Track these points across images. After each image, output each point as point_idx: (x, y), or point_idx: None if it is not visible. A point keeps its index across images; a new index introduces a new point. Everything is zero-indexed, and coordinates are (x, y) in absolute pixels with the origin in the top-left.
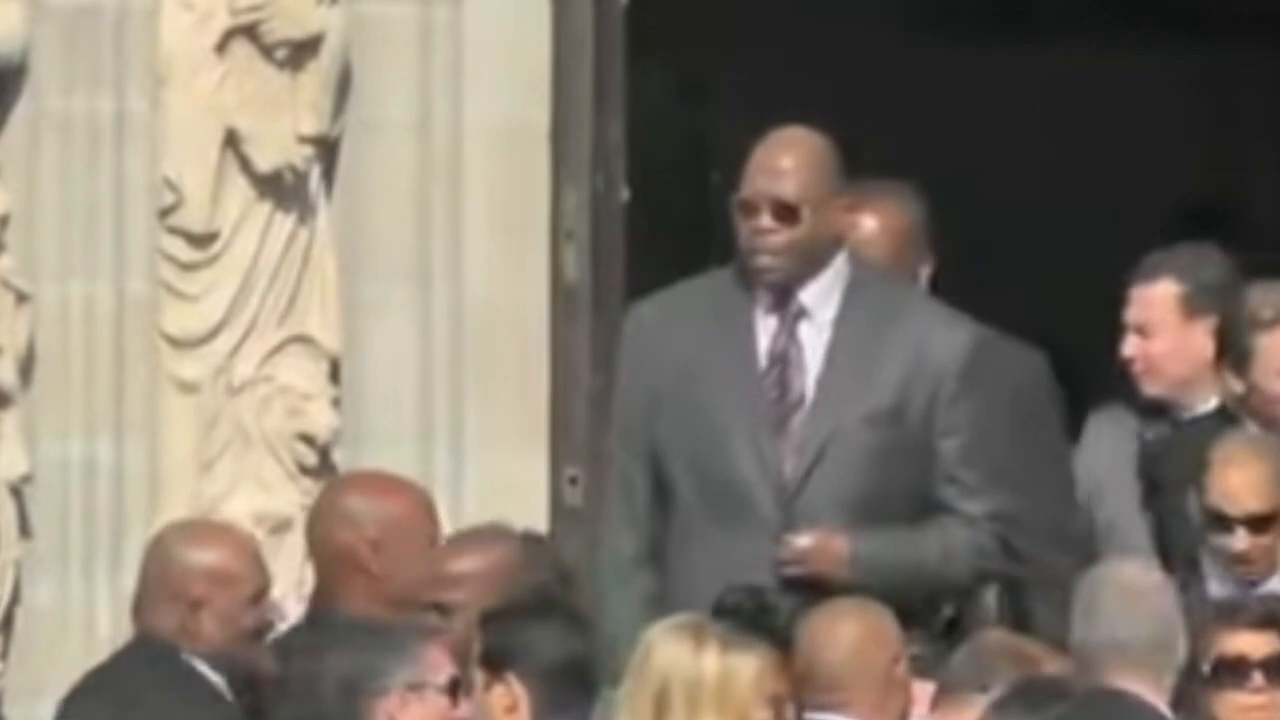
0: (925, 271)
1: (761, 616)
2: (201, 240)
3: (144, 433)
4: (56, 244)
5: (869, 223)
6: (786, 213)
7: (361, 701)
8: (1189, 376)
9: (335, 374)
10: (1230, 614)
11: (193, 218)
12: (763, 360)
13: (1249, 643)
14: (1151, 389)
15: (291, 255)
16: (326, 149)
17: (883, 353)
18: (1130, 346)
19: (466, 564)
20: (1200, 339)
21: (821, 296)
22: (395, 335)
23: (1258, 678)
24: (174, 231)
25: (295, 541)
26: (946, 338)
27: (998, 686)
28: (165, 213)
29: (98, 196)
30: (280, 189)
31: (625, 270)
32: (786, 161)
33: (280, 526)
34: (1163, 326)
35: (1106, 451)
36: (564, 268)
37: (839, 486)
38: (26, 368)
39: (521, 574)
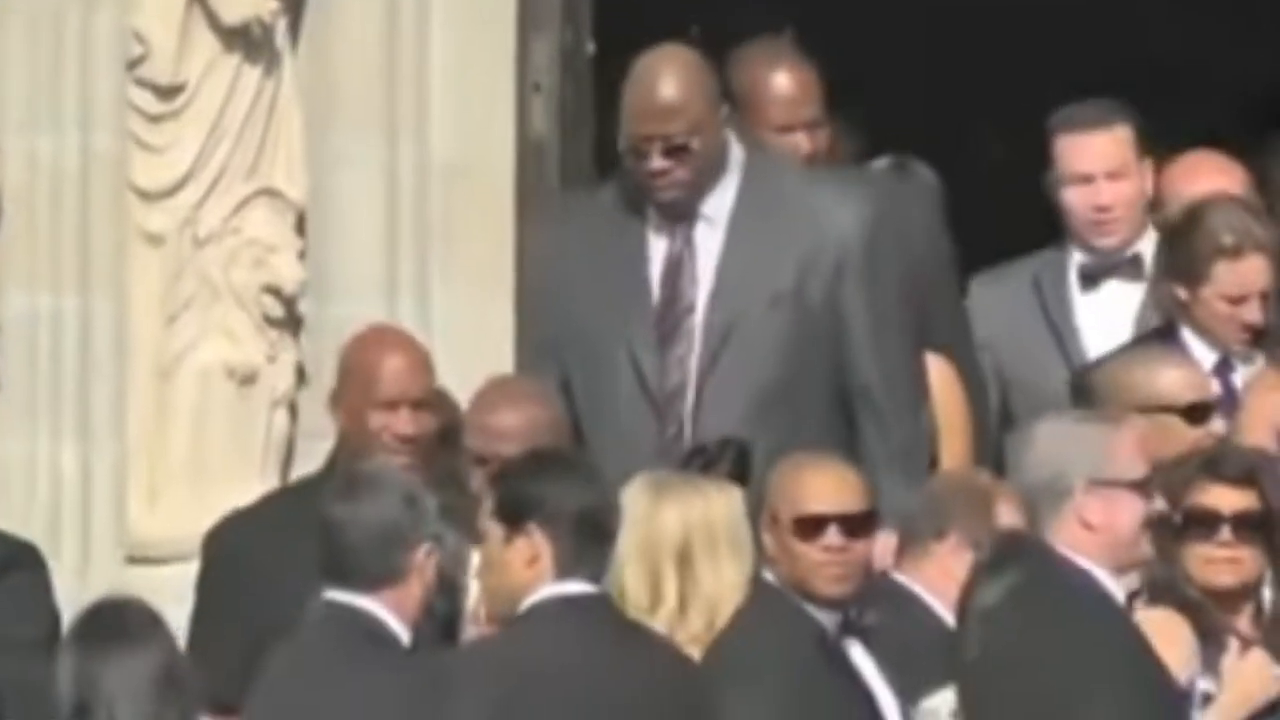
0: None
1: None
2: (168, 92)
3: (111, 285)
4: (23, 97)
5: (782, 80)
6: (677, 150)
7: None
8: (1142, 220)
9: (301, 226)
10: (1209, 466)
11: (160, 70)
12: (657, 268)
13: (1223, 497)
14: (1114, 239)
15: (258, 108)
16: (293, 2)
17: (779, 236)
18: (1106, 194)
19: (511, 419)
20: (1148, 180)
21: (718, 201)
22: (361, 188)
23: (1225, 532)
24: (141, 84)
25: (262, 392)
26: (843, 215)
27: (955, 530)
28: (133, 64)
29: (64, 49)
30: (247, 42)
31: (593, 124)
32: (669, 96)
33: (248, 378)
34: (1129, 170)
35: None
36: (531, 121)
37: (746, 375)
38: None
39: (558, 428)
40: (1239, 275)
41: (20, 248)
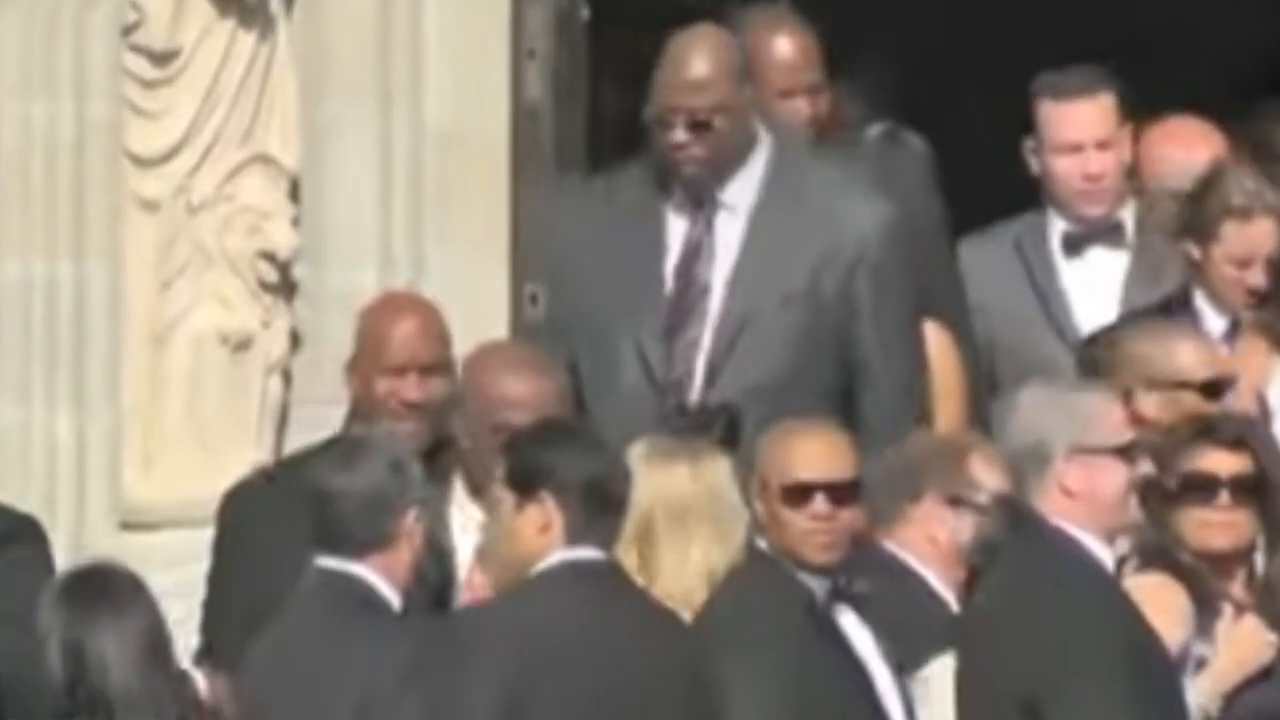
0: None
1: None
2: (163, 58)
3: (105, 251)
4: (18, 63)
5: (783, 44)
6: (701, 125)
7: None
8: (1124, 187)
9: (295, 193)
10: (1204, 432)
11: (155, 36)
12: (675, 252)
13: (1219, 461)
14: (1102, 208)
15: (252, 74)
16: None
17: (799, 234)
18: (1095, 163)
19: (525, 387)
20: (1127, 147)
21: (740, 189)
22: (355, 155)
23: (1224, 496)
24: (136, 50)
25: (257, 358)
26: (864, 216)
27: (930, 490)
28: (128, 30)
29: (59, 15)
30: (242, 8)
31: (588, 91)
32: (697, 72)
33: (242, 344)
34: (1116, 138)
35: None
36: (525, 87)
37: (755, 369)
38: None
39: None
40: (1247, 237)
41: (14, 214)
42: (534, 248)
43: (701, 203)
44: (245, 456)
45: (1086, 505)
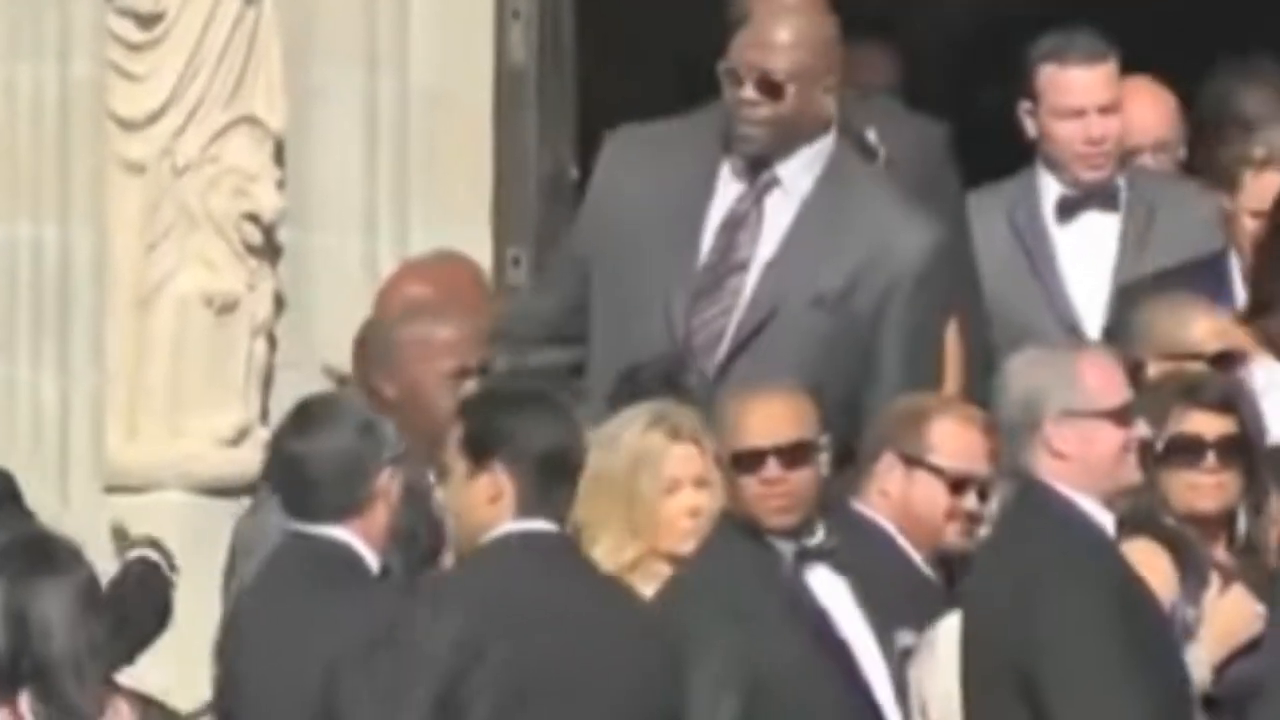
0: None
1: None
2: (148, 21)
3: (90, 214)
4: (2, 25)
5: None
6: (771, 88)
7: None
8: (1122, 154)
9: (280, 155)
10: (1189, 394)
11: None
12: (715, 222)
13: (1205, 423)
14: (1103, 173)
15: (237, 36)
16: None
17: (844, 236)
18: (1098, 128)
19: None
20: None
21: (798, 171)
22: (341, 117)
23: (1211, 458)
24: (121, 12)
25: (241, 321)
26: (908, 239)
27: (888, 449)
28: None
29: None
30: None
31: (573, 52)
32: (780, 36)
33: (228, 306)
34: (1118, 103)
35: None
36: (510, 50)
37: (773, 366)
38: None
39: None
40: (1261, 187)
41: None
42: (520, 207)
43: (757, 172)
44: (230, 420)
45: (1078, 468)
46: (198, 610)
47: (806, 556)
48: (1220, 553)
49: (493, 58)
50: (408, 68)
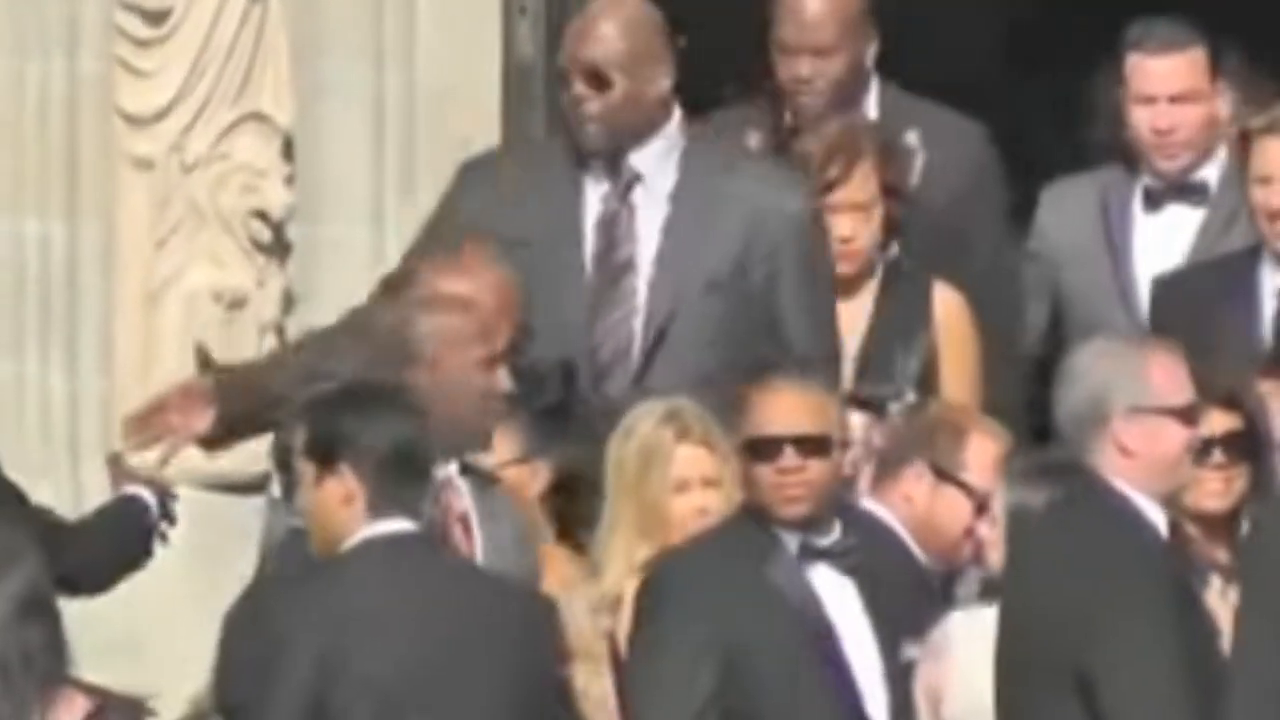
0: (871, 49)
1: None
2: (155, 17)
3: (98, 210)
4: (9, 20)
5: (811, 5)
6: (598, 79)
7: None
8: (1210, 146)
9: (289, 151)
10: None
11: None
12: (590, 227)
13: (1213, 420)
14: (1176, 163)
15: (245, 32)
16: None
17: (720, 216)
18: (1163, 118)
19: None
20: (1219, 104)
21: (655, 162)
22: (348, 112)
23: (1218, 454)
24: (129, 8)
25: (250, 317)
26: (783, 203)
27: (919, 458)
28: None
29: None
30: None
31: None
32: (601, 29)
33: (236, 302)
34: (1197, 94)
35: (1068, 223)
36: (518, 45)
37: (689, 362)
38: None
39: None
40: (1265, 154)
41: (7, 173)
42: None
43: (617, 171)
44: None
45: (1142, 464)
46: (207, 606)
47: (811, 553)
48: (1222, 554)
49: (500, 53)
50: (415, 63)
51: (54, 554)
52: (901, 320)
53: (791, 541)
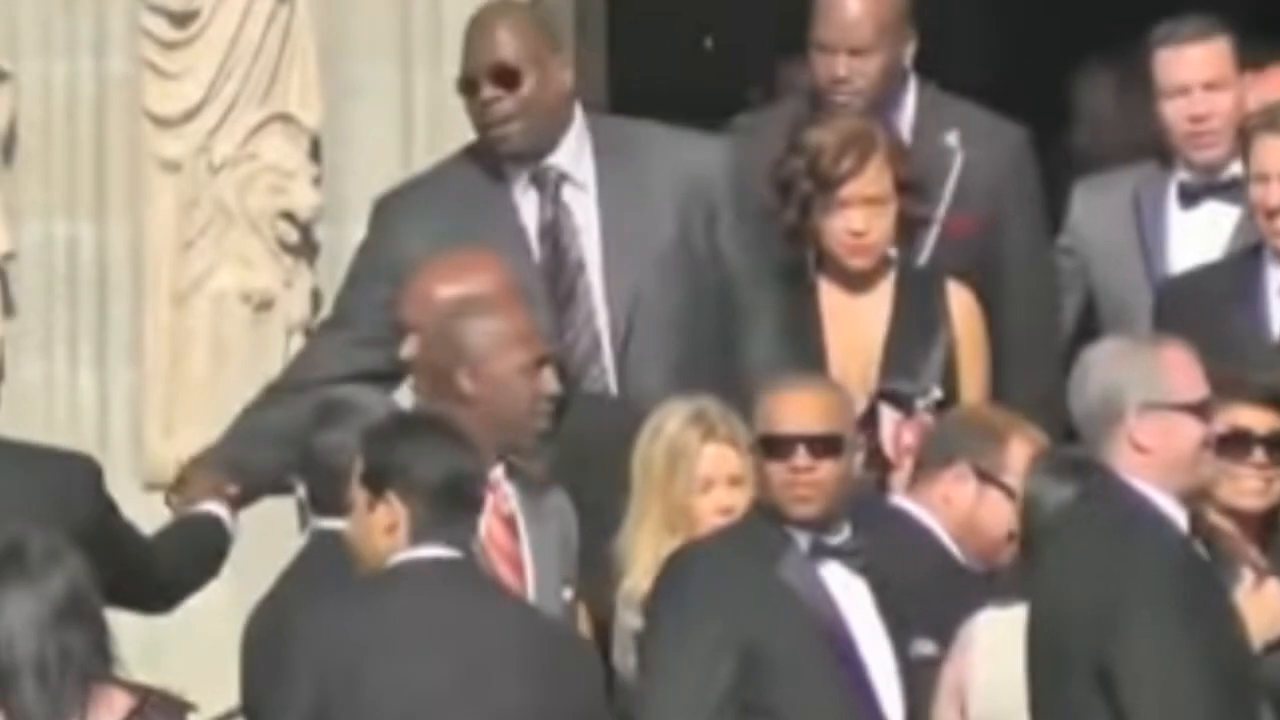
0: (909, 50)
1: None
2: (182, 19)
3: (126, 212)
4: (38, 22)
5: (849, 5)
6: (507, 76)
7: None
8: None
9: (316, 152)
10: (1233, 389)
11: None
12: (533, 236)
13: (1254, 417)
14: (1212, 153)
15: (271, 33)
16: None
17: (650, 193)
18: (1200, 104)
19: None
20: (1244, 95)
21: (573, 158)
22: (376, 114)
23: (1259, 453)
24: (155, 10)
25: (278, 319)
26: (703, 158)
27: (961, 460)
28: None
29: None
30: None
31: (606, 46)
32: (493, 31)
33: (264, 304)
34: (1227, 82)
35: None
36: None
37: (657, 347)
38: (8, 147)
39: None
40: (1263, 151)
41: (35, 174)
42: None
43: (542, 176)
44: None
45: (1158, 461)
46: (237, 604)
47: (823, 551)
48: (1254, 554)
49: None
50: (442, 63)
51: (141, 575)
52: (920, 318)
53: (803, 540)
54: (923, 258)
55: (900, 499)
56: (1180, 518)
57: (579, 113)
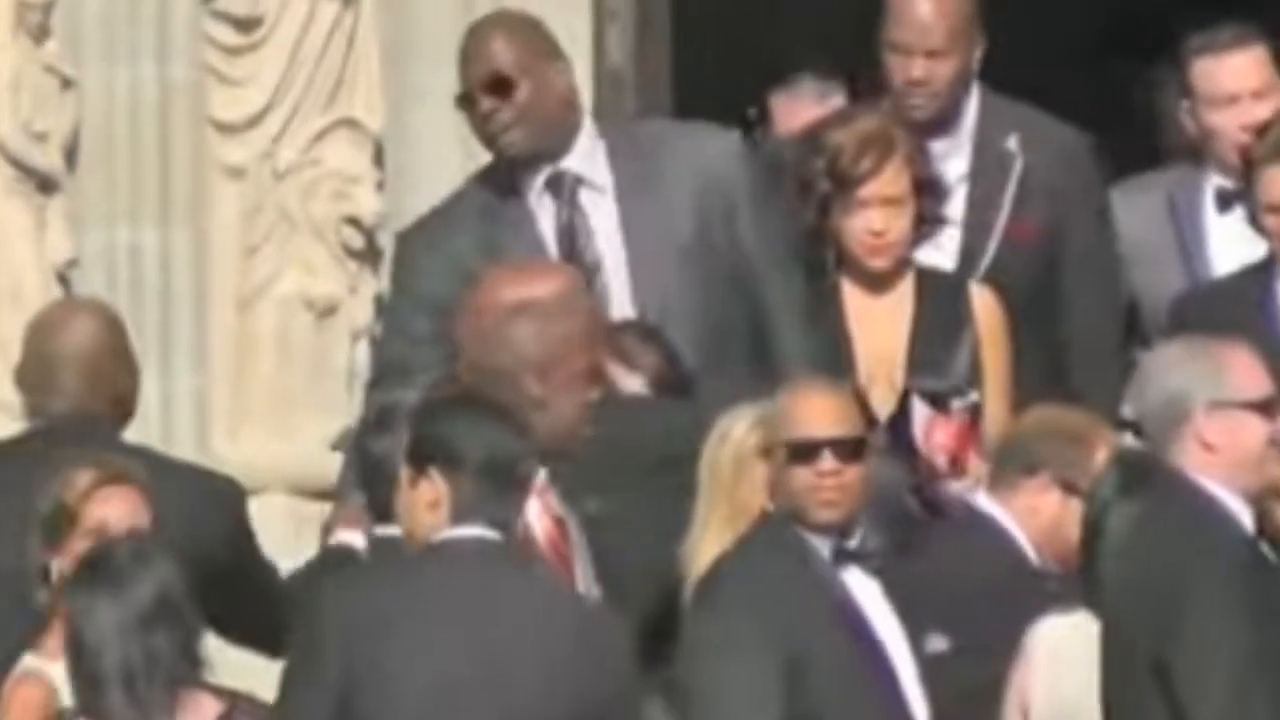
0: (977, 53)
1: None
2: (246, 24)
3: (190, 218)
4: (101, 29)
5: (924, 7)
6: (501, 87)
7: None
8: None
9: (379, 157)
10: None
11: (236, 2)
12: (552, 242)
13: None
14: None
15: (335, 39)
16: None
17: (666, 192)
18: (1251, 112)
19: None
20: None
21: (587, 162)
22: (440, 119)
23: None
24: (218, 16)
25: (342, 324)
26: (716, 154)
27: (1046, 470)
28: None
29: None
30: None
31: (671, 52)
32: (485, 43)
33: (328, 310)
34: (1272, 89)
35: (1138, 222)
36: (607, 50)
37: (684, 348)
38: (72, 153)
39: None
40: (1270, 183)
41: (99, 181)
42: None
43: (557, 181)
44: (331, 423)
45: (1226, 459)
46: None
47: (845, 556)
48: None
49: (590, 60)
50: None
51: (259, 613)
52: (943, 318)
53: (824, 545)
54: (984, 263)
55: (984, 502)
56: (1246, 517)
57: (589, 117)
